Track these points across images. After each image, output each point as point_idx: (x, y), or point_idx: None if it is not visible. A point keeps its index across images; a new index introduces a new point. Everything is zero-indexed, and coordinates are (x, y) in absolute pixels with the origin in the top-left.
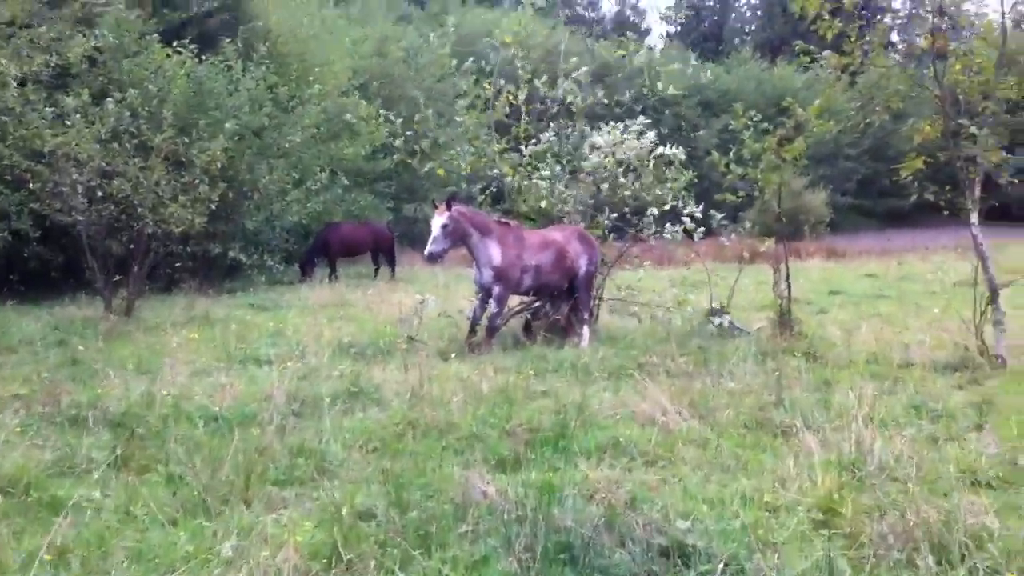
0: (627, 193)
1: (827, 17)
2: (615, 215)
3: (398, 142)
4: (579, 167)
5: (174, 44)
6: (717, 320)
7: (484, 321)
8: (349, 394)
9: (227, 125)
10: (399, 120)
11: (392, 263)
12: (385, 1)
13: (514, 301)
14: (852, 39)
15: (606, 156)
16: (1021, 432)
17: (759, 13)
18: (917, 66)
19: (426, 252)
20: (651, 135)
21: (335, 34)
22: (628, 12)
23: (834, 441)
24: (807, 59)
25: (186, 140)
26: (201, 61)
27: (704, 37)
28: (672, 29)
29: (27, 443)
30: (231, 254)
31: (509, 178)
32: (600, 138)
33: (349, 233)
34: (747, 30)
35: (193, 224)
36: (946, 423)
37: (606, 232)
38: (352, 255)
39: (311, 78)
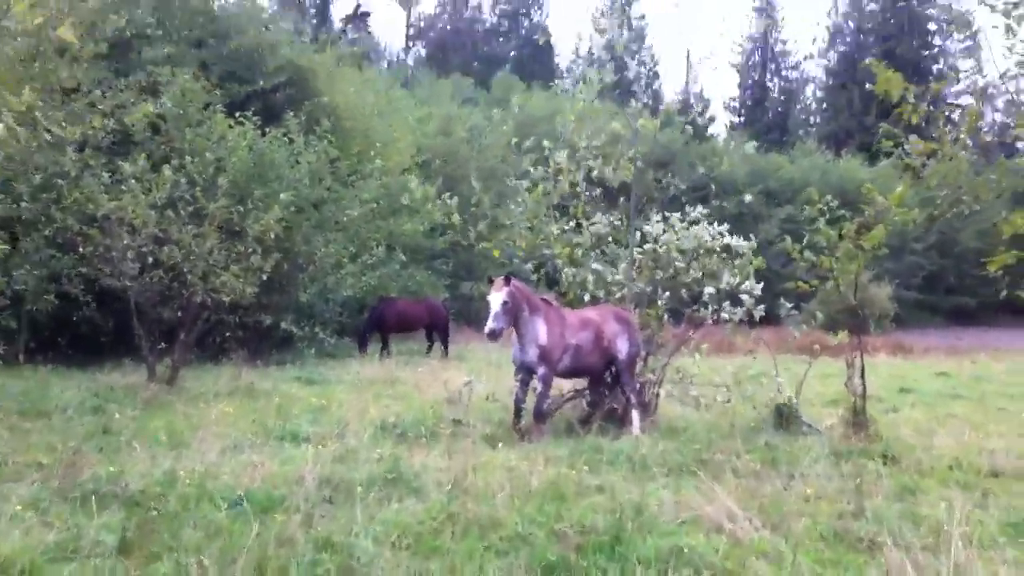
0: (688, 280)
1: (912, 101)
2: (671, 296)
3: (454, 218)
4: (634, 253)
5: (237, 115)
6: (785, 414)
7: (530, 405)
8: (386, 481)
9: (282, 196)
10: (453, 200)
11: (446, 340)
12: (451, 84)
13: (566, 386)
14: (941, 124)
15: (662, 246)
16: None
17: (824, 106)
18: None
19: (487, 329)
20: (719, 226)
21: (399, 112)
22: (692, 101)
23: (926, 562)
24: (889, 143)
25: (240, 209)
26: (264, 133)
27: (768, 128)
28: (735, 119)
29: (35, 520)
30: (283, 325)
31: (561, 261)
32: (650, 227)
33: (404, 308)
34: (812, 122)
35: (244, 293)
36: None
37: (661, 315)
38: (407, 331)
39: (372, 153)
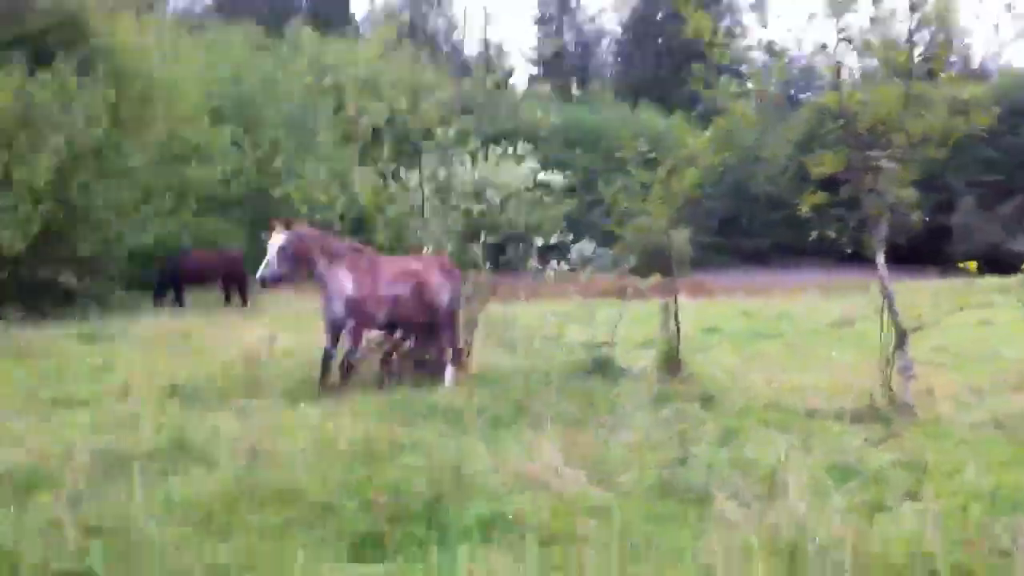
0: (503, 219)
1: (722, 42)
2: (490, 241)
3: (246, 163)
4: (449, 193)
5: None
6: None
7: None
8: (173, 449)
9: (52, 140)
10: (249, 144)
11: (244, 292)
12: (241, 32)
13: (374, 336)
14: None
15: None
16: (962, 500)
17: (619, 58)
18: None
19: (258, 275)
20: (533, 161)
21: (185, 58)
22: (491, 52)
23: (760, 512)
24: (700, 84)
25: (5, 157)
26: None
27: (566, 79)
28: (535, 70)
29: None
30: (61, 279)
31: (367, 207)
32: (459, 166)
33: (199, 259)
34: (609, 73)
35: (13, 247)
36: (876, 489)
37: (480, 263)
38: (202, 282)
39: (154, 98)
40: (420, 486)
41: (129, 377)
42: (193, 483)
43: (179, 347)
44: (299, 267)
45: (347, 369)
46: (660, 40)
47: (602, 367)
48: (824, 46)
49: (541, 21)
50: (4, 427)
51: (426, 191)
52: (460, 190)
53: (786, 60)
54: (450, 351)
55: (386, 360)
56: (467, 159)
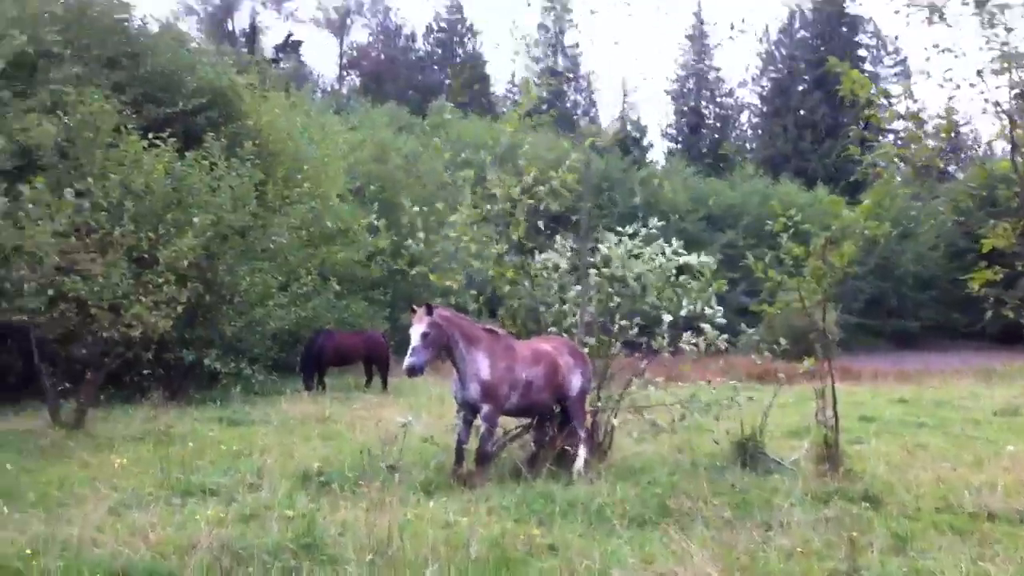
0: (644, 305)
1: (884, 101)
2: (626, 326)
3: (382, 243)
4: (588, 278)
5: (150, 135)
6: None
7: (474, 446)
8: (299, 546)
9: (196, 219)
10: (381, 221)
11: (385, 374)
12: (386, 112)
13: (510, 423)
14: (916, 129)
15: (619, 268)
16: None
17: (759, 132)
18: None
19: (405, 365)
20: (675, 244)
21: (331, 138)
22: (629, 127)
23: None
24: (857, 151)
25: (151, 235)
26: (183, 157)
27: (705, 155)
28: (673, 145)
29: None
30: (207, 362)
31: (498, 286)
32: (605, 247)
33: (341, 341)
34: (748, 148)
35: (157, 327)
36: None
37: (615, 344)
38: (344, 364)
39: (299, 176)
40: None
41: (263, 464)
42: None
43: (318, 430)
44: (440, 352)
45: (483, 459)
46: (800, 112)
47: (751, 458)
48: (997, 104)
49: (678, 96)
50: (129, 518)
51: (563, 270)
52: (602, 272)
53: (952, 119)
54: (583, 435)
55: (533, 459)
56: (610, 238)
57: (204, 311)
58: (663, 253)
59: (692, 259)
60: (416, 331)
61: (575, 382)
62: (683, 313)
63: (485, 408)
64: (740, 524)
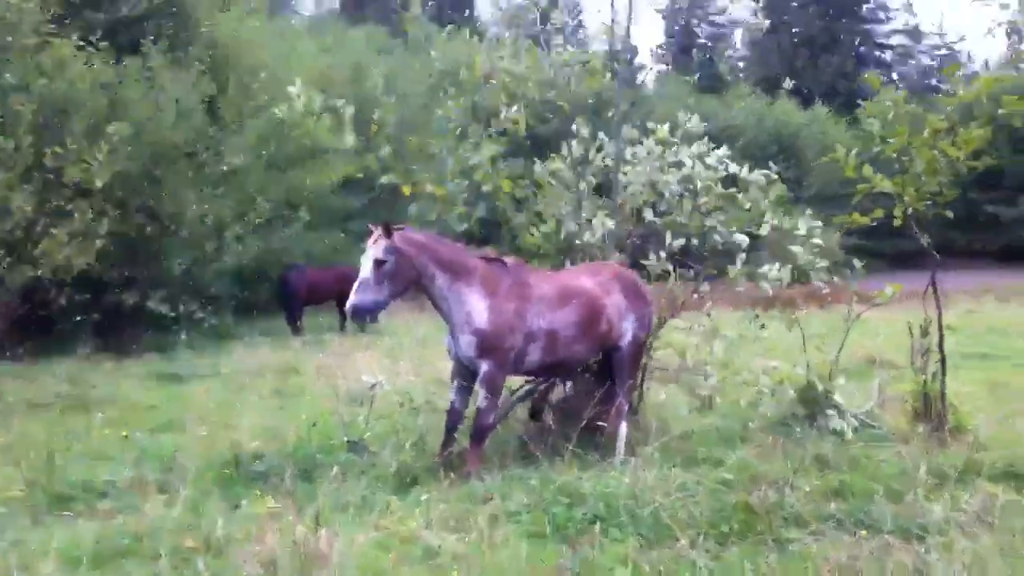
0: (688, 221)
1: None
2: (676, 248)
3: (349, 138)
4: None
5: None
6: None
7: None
8: None
9: (111, 128)
10: (348, 109)
11: None
12: (363, 34)
13: (516, 381)
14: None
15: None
16: None
17: (748, 53)
18: None
19: (348, 305)
20: (722, 151)
21: (302, 58)
22: (619, 46)
23: None
24: (878, 83)
25: (57, 150)
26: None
27: (698, 75)
28: (665, 66)
29: None
30: (150, 304)
31: (500, 202)
32: (638, 148)
33: (313, 277)
34: (741, 67)
35: (72, 266)
36: None
37: (667, 272)
38: (316, 303)
39: (256, 85)
40: None
41: (184, 445)
42: None
43: (276, 385)
44: (407, 287)
45: (479, 435)
46: (796, 29)
47: (822, 414)
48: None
49: (669, 15)
50: None
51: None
52: (628, 183)
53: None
54: (624, 403)
55: (535, 412)
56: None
57: (146, 245)
58: (702, 159)
59: (741, 171)
60: (367, 259)
61: (627, 329)
62: (764, 231)
63: (484, 367)
64: (849, 527)
